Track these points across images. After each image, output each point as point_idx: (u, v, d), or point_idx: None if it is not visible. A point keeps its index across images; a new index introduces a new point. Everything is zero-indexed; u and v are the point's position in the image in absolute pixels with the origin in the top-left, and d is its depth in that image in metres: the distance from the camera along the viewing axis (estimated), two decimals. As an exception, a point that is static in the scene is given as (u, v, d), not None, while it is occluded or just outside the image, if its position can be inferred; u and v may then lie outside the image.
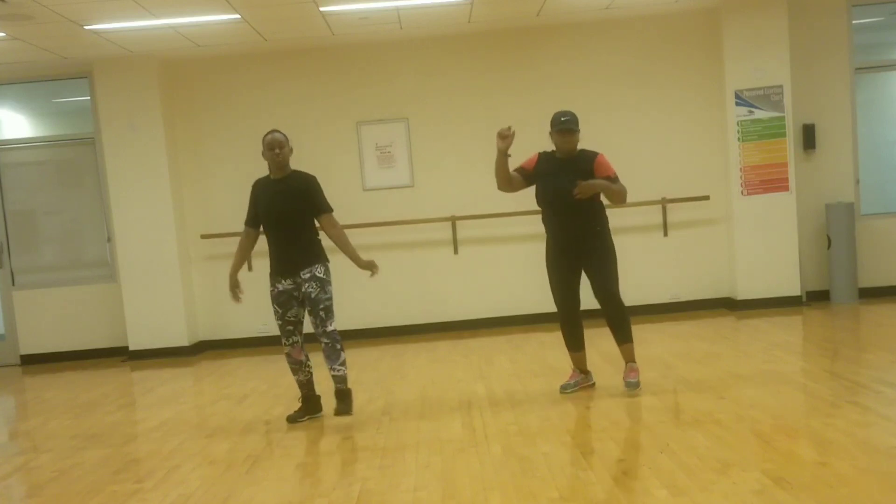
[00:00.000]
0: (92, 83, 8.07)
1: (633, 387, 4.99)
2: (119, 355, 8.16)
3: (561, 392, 5.13)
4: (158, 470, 4.32)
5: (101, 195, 8.26)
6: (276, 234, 4.91)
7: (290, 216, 4.84)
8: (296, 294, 4.89)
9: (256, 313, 8.12)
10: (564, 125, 4.88)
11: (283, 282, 4.89)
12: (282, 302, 4.91)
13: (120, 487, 4.07)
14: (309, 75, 8.07)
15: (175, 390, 6.59)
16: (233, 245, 7.95)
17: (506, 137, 4.82)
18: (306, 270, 4.84)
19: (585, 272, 5.02)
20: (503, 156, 4.87)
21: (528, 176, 5.03)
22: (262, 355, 7.70)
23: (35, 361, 8.27)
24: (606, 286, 4.96)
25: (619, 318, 5.03)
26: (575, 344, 5.18)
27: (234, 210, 8.04)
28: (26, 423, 5.91)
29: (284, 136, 4.89)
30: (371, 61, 8.03)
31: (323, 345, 4.85)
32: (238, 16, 6.61)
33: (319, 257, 4.90)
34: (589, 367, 5.32)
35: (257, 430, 4.98)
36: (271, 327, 8.08)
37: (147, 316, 7.98)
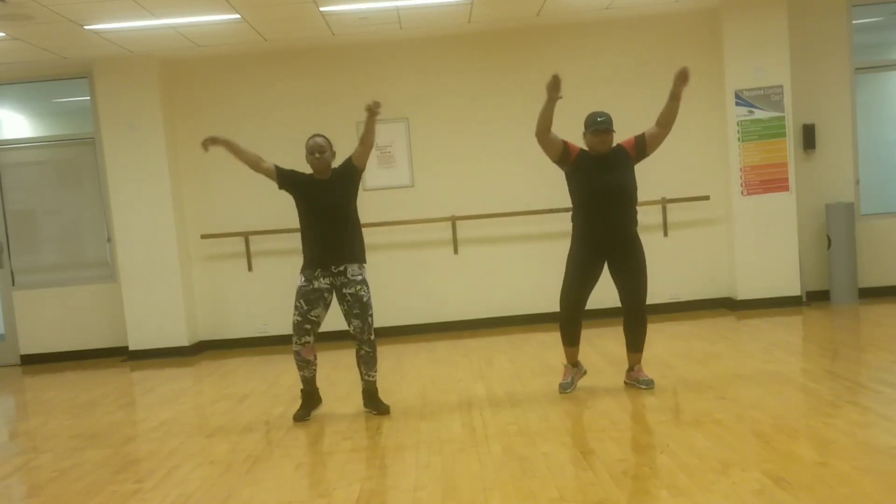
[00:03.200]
0: (92, 83, 8.07)
1: (650, 384, 5.03)
2: (119, 355, 8.16)
3: (561, 392, 5.12)
4: (158, 470, 4.31)
5: (101, 195, 8.26)
6: (322, 227, 4.80)
7: (339, 207, 4.82)
8: (326, 296, 4.85)
9: (256, 313, 8.16)
10: (601, 125, 4.84)
11: (319, 280, 4.82)
12: (311, 299, 4.83)
13: (120, 487, 4.07)
14: (309, 75, 8.06)
15: (175, 390, 6.58)
16: (233, 245, 8.13)
17: (556, 84, 4.66)
18: (356, 272, 4.82)
19: (615, 276, 4.97)
20: (553, 101, 4.71)
21: (565, 154, 4.87)
22: (262, 355, 7.70)
23: (35, 361, 8.27)
24: (639, 295, 4.98)
25: (643, 330, 5.08)
26: (575, 339, 5.14)
27: (235, 210, 8.12)
28: (26, 423, 5.90)
29: (326, 139, 4.92)
30: (371, 61, 8.02)
31: (363, 352, 4.96)
32: (238, 16, 6.61)
33: (362, 255, 4.90)
34: (588, 366, 5.33)
35: (257, 430, 4.98)
36: (271, 327, 8.18)
37: (147, 316, 7.98)
